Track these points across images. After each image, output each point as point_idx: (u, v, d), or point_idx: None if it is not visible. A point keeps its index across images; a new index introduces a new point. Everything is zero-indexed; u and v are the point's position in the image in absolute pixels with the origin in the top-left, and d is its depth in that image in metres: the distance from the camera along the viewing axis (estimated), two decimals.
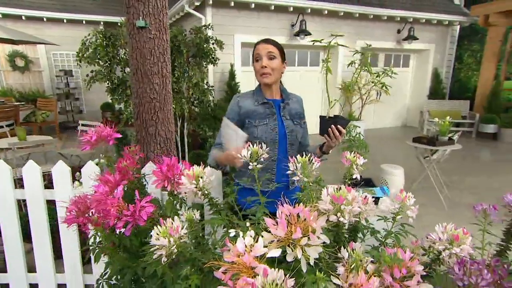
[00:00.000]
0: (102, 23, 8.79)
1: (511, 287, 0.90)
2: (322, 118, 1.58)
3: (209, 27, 4.28)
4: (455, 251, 0.82)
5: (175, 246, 0.78)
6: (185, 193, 0.96)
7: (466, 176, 5.08)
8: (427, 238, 0.97)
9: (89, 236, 1.20)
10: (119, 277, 1.11)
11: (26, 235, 2.09)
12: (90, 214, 1.20)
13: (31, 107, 7.08)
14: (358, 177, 1.04)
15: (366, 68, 5.90)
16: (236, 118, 1.67)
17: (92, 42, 3.39)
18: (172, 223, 0.82)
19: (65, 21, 8.42)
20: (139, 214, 1.06)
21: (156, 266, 1.01)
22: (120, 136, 1.37)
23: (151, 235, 0.85)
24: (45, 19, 8.18)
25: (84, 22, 8.57)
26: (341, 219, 0.76)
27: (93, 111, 9.14)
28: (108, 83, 3.39)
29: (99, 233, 1.10)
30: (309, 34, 7.02)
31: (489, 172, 5.29)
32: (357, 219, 0.85)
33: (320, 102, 8.42)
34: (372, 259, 0.79)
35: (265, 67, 1.55)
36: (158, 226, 0.82)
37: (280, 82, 1.75)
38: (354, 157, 1.04)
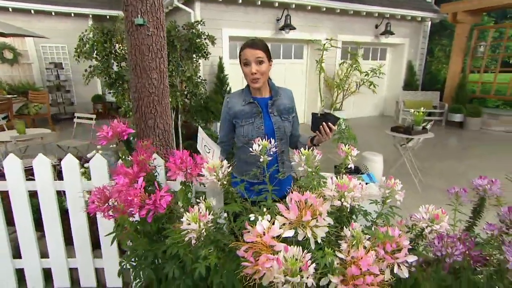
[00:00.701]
0: (90, 16, 8.51)
1: (477, 255, 1.03)
2: (314, 115, 1.60)
3: (201, 22, 4.27)
4: (435, 228, 0.93)
5: (204, 229, 0.86)
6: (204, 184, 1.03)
7: (437, 162, 5.34)
8: (411, 218, 1.08)
9: (105, 222, 1.26)
10: (142, 258, 1.18)
11: (38, 223, 2.12)
12: (110, 204, 1.26)
13: (24, 100, 6.85)
14: (352, 167, 1.13)
15: (356, 66, 6.00)
16: (227, 118, 1.71)
17: (90, 38, 3.32)
18: (200, 210, 0.89)
19: (53, 13, 8.10)
20: (160, 202, 1.13)
21: (177, 248, 1.09)
22: (133, 131, 1.42)
23: (167, 221, 0.93)
24: (33, 12, 7.84)
25: (72, 15, 8.27)
26: (345, 203, 0.85)
27: (84, 102, 8.92)
28: (105, 78, 3.35)
29: (122, 221, 1.16)
30: (294, 28, 7.05)
31: (456, 158, 5.57)
32: (354, 204, 0.95)
33: (304, 92, 8.53)
34: (368, 236, 0.90)
35: (255, 73, 1.57)
36: (187, 213, 0.89)
37: (269, 77, 1.71)
38: (349, 149, 1.14)
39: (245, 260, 0.81)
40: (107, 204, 1.26)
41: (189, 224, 0.85)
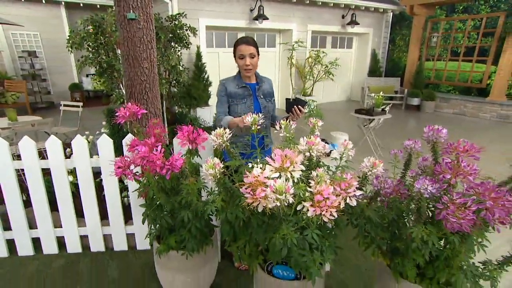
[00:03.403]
0: (63, 3, 8.25)
1: (405, 192, 1.46)
2: (287, 100, 2.02)
3: (183, 15, 4.43)
4: (374, 171, 1.33)
5: (218, 173, 1.20)
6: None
7: (395, 140, 5.95)
8: (360, 170, 1.49)
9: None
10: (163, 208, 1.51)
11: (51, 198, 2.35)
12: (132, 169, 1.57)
13: (0, 89, 6.66)
14: (319, 134, 1.51)
15: (319, 60, 6.77)
16: (225, 97, 2.06)
17: (81, 30, 3.43)
18: (214, 161, 1.23)
19: (22, 0, 7.79)
20: (176, 163, 1.45)
21: (191, 197, 1.43)
22: (145, 111, 1.71)
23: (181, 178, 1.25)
24: None
25: (43, 1, 7.98)
26: (312, 153, 1.23)
27: (60, 91, 8.74)
28: (96, 67, 3.50)
29: (150, 177, 1.47)
30: (267, 18, 7.31)
31: (411, 136, 6.19)
32: (319, 159, 1.33)
33: (277, 79, 8.88)
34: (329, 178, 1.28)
35: (249, 65, 1.96)
36: (205, 164, 1.23)
37: None
38: (315, 121, 1.51)
39: (244, 197, 1.17)
40: (130, 169, 1.57)
41: (208, 170, 1.19)
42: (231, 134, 1.38)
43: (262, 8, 7.23)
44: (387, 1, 9.43)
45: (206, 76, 6.57)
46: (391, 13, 9.95)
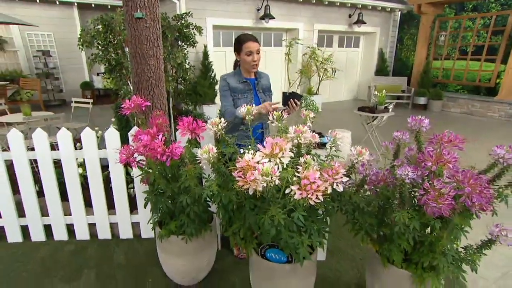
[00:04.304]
0: (76, 4, 8.49)
1: (393, 181, 1.53)
2: (284, 93, 2.11)
3: (189, 14, 4.55)
4: (360, 159, 1.41)
5: (212, 158, 1.29)
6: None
7: None
8: (349, 159, 1.56)
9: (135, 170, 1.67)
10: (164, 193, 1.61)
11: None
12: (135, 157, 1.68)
13: (15, 87, 6.92)
14: (310, 125, 1.59)
15: (314, 57, 7.04)
16: (228, 92, 2.15)
17: (91, 29, 3.58)
18: (208, 146, 1.33)
19: (37, 1, 8.04)
20: (175, 151, 1.55)
21: (189, 182, 1.53)
22: (149, 103, 1.82)
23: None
24: None
25: (57, 2, 8.23)
26: (300, 140, 1.31)
27: (72, 89, 8.98)
28: (105, 64, 3.65)
29: (151, 163, 1.58)
30: (273, 18, 7.39)
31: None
32: (310, 149, 1.41)
33: (283, 78, 8.94)
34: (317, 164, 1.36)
35: (256, 61, 2.06)
36: (200, 149, 1.33)
37: None
38: (307, 112, 1.59)
39: (236, 180, 1.27)
40: (133, 157, 1.68)
41: (202, 154, 1.29)
42: (226, 123, 1.48)
43: (268, 7, 7.31)
44: (395, 0, 9.38)
45: (213, 75, 6.69)
46: (399, 12, 9.90)
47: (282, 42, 8.47)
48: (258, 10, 7.48)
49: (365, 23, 8.87)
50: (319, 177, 1.28)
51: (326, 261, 2.34)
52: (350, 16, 8.96)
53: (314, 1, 8.00)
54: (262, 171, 1.14)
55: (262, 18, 7.41)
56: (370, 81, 9.87)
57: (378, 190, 1.56)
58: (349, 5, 8.62)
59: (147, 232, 2.61)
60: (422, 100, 8.88)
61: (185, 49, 4.53)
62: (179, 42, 4.20)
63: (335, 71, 8.43)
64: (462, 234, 1.46)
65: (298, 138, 1.33)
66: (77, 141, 2.78)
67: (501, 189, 1.40)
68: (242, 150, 1.29)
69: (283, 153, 1.28)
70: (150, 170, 1.64)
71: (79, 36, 3.67)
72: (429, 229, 1.55)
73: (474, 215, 1.36)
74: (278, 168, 1.16)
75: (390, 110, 5.03)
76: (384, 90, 4.62)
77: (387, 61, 10.25)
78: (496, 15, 8.35)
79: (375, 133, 5.14)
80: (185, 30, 4.16)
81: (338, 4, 8.41)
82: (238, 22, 7.26)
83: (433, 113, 8.57)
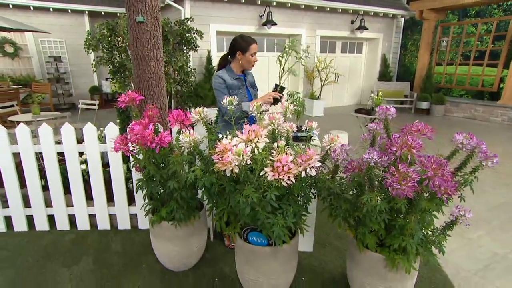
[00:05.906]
0: (86, 12, 8.83)
1: (366, 170, 1.62)
2: (276, 85, 2.29)
3: (191, 19, 4.74)
4: (332, 145, 1.51)
5: (192, 141, 1.42)
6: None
7: None
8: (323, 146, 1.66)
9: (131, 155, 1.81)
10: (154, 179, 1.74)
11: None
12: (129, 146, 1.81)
13: (28, 90, 7.22)
14: (290, 116, 1.70)
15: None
16: (225, 88, 2.29)
17: (97, 33, 3.79)
18: (189, 132, 1.45)
19: (51, 9, 8.41)
20: (164, 139, 1.68)
21: (175, 167, 1.65)
22: (143, 98, 1.95)
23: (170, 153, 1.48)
24: (32, 8, 8.14)
25: (69, 11, 8.59)
26: (274, 127, 1.42)
27: (82, 94, 9.29)
28: (110, 66, 3.83)
29: (141, 150, 1.71)
30: (275, 24, 7.57)
31: None
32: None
33: (287, 84, 9.07)
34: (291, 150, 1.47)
35: (256, 61, 2.30)
36: (182, 135, 1.45)
37: None
38: (287, 105, 1.70)
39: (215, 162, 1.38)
40: (127, 146, 1.81)
41: (184, 139, 1.41)
42: (208, 113, 1.60)
43: (271, 14, 7.50)
44: (397, 7, 9.49)
45: None
46: (403, 19, 9.98)
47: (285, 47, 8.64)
48: (260, 16, 7.67)
49: (367, 29, 8.98)
50: (292, 161, 1.39)
51: (313, 252, 2.42)
52: (352, 22, 9.08)
53: (316, 8, 8.16)
54: (234, 151, 1.25)
55: (265, 24, 7.60)
56: (373, 86, 9.92)
57: (353, 177, 1.65)
58: (351, 11, 8.76)
59: (144, 223, 2.73)
60: (424, 105, 8.88)
61: (187, 53, 4.70)
62: (181, 46, 4.37)
63: (337, 76, 8.53)
64: (432, 219, 1.54)
65: (273, 125, 1.44)
66: (82, 140, 2.94)
67: (466, 175, 1.48)
68: (220, 134, 1.41)
69: (258, 139, 1.40)
70: (141, 157, 1.76)
71: (85, 39, 3.88)
72: (401, 214, 1.63)
73: (441, 200, 1.45)
74: (250, 150, 1.27)
75: None
76: (380, 92, 4.69)
77: (390, 67, 10.30)
78: (498, 20, 8.37)
79: None
80: (186, 35, 4.33)
81: (340, 10, 8.55)
82: (241, 28, 7.45)
83: (435, 117, 8.56)
